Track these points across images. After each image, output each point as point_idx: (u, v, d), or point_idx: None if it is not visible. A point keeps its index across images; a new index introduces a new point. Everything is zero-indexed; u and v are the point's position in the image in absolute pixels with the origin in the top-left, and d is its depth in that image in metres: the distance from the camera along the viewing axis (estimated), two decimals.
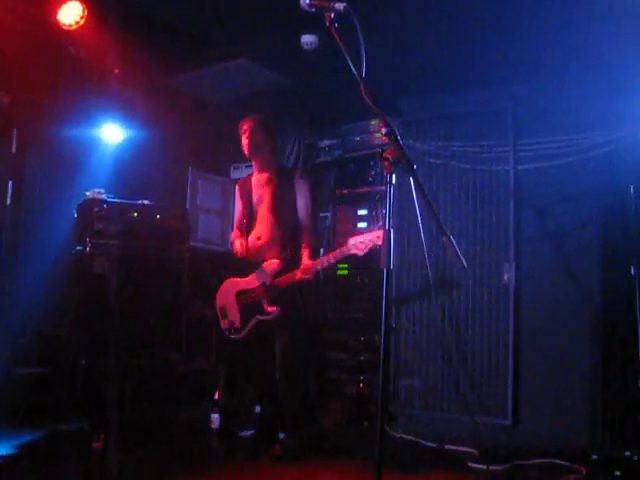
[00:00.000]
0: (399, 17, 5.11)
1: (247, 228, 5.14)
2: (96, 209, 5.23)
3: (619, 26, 4.68)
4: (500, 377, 5.15)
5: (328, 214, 6.60)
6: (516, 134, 5.29)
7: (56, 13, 5.13)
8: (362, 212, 6.34)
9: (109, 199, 5.35)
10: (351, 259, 6.08)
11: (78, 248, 5.25)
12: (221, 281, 5.84)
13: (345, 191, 6.52)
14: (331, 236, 6.54)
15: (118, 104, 5.92)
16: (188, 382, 5.73)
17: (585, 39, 4.81)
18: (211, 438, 5.23)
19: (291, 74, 6.17)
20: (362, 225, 6.33)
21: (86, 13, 5.17)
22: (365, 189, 6.37)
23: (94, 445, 4.64)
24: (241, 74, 6.17)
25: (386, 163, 3.05)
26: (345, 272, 6.31)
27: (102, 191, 5.35)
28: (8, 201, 5.60)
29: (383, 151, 3.05)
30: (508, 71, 5.20)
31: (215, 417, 5.37)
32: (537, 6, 4.71)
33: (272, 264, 4.92)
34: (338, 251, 4.67)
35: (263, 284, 4.92)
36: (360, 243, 4.50)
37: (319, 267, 4.81)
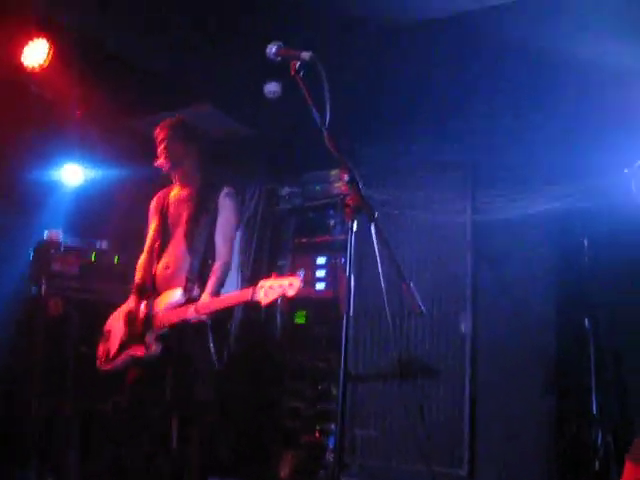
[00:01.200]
0: (359, 67, 5.23)
1: (159, 254, 4.29)
2: (53, 250, 5.16)
3: (571, 78, 4.83)
4: (456, 427, 5.16)
5: (286, 262, 6.60)
6: (474, 185, 5.40)
7: (20, 53, 5.12)
8: (320, 261, 6.35)
9: (66, 241, 5.30)
10: (309, 305, 6.19)
11: (33, 289, 5.17)
12: None
13: (304, 240, 6.53)
14: None
15: (79, 145, 5.89)
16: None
17: (543, 93, 4.96)
18: None
19: (254, 122, 6.23)
20: (320, 274, 6.34)
21: (51, 52, 5.15)
22: (324, 238, 6.40)
23: None
24: (203, 120, 6.19)
25: (348, 210, 3.08)
26: (302, 320, 6.29)
27: (60, 232, 5.30)
28: None
29: (344, 198, 3.09)
30: (467, 123, 5.31)
31: None
32: (496, 62, 4.85)
33: (169, 294, 4.08)
34: (240, 293, 4.00)
35: (148, 315, 4.09)
36: (269, 289, 3.65)
37: (215, 308, 3.93)
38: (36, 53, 5.14)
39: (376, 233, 3.12)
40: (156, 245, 4.32)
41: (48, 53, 5.15)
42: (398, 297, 4.97)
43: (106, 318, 5.34)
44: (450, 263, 5.41)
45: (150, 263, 4.32)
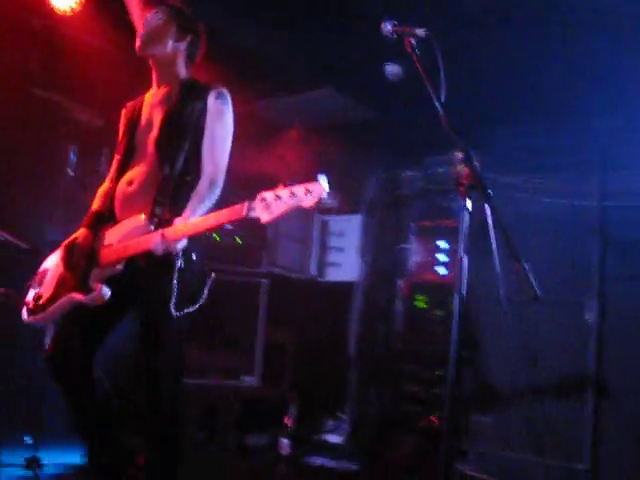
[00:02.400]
0: (484, 48, 5.10)
1: (121, 169, 3.27)
2: None
3: None
4: (578, 419, 4.97)
5: (408, 246, 6.56)
6: (603, 168, 5.16)
7: None
8: (443, 245, 6.27)
9: None
10: (430, 289, 6.12)
11: None
12: (299, 308, 5.87)
13: (427, 223, 6.47)
14: (410, 269, 6.48)
15: None
16: (261, 406, 5.75)
17: None
18: (279, 463, 5.23)
19: (374, 104, 6.21)
20: (443, 258, 6.26)
21: None
22: (447, 221, 6.31)
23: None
24: (325, 102, 6.25)
25: (461, 189, 3.04)
26: (423, 305, 6.24)
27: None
28: None
29: (459, 177, 3.03)
30: (595, 102, 5.09)
31: (284, 443, 5.38)
32: (621, 35, 4.61)
33: (128, 221, 3.06)
34: (228, 211, 2.86)
35: (95, 248, 3.10)
36: (274, 201, 2.66)
37: (190, 233, 2.90)
38: None
39: (491, 213, 3.07)
40: (119, 159, 3.31)
41: None
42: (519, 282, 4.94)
43: (230, 298, 5.56)
44: (576, 249, 5.21)
45: (112, 188, 3.26)
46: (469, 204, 2.97)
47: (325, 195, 2.60)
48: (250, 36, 5.38)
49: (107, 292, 2.97)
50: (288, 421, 5.66)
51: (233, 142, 3.33)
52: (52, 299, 3.16)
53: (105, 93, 5.24)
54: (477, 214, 3.00)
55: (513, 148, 5.63)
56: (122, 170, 3.25)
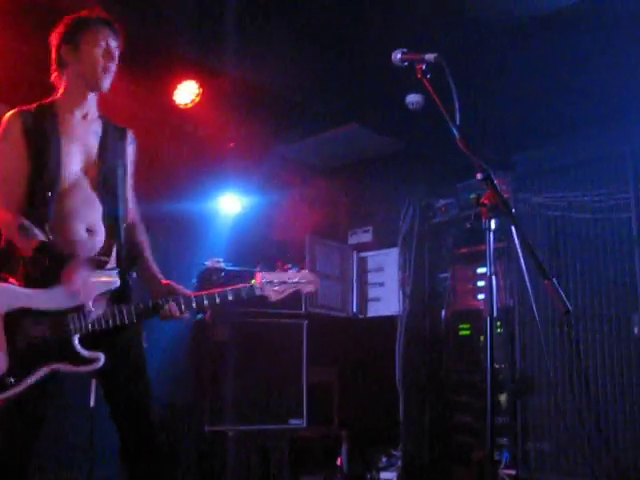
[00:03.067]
0: (511, 71, 5.10)
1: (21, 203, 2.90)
2: (215, 277, 5.39)
3: None
4: (636, 439, 4.80)
5: (447, 274, 6.49)
6: (636, 178, 5.06)
7: (172, 94, 5.43)
8: (481, 270, 6.19)
9: (227, 267, 5.51)
10: (472, 316, 6.03)
11: (199, 316, 5.41)
12: (342, 346, 5.83)
13: (463, 250, 6.40)
14: (451, 297, 6.40)
15: (235, 176, 6.14)
16: (311, 447, 5.70)
17: None
18: None
19: (401, 136, 6.22)
20: (482, 284, 6.18)
21: (201, 91, 5.45)
22: (484, 247, 6.21)
23: None
24: (352, 139, 6.28)
25: (483, 209, 3.02)
26: (467, 332, 6.14)
27: (220, 260, 5.52)
28: (134, 274, 5.87)
29: (479, 197, 3.01)
30: (623, 112, 5.02)
31: None
32: None
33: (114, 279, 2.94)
34: (235, 289, 3.22)
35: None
36: (278, 285, 3.16)
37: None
38: (187, 93, 5.45)
39: (516, 232, 3.04)
40: (19, 191, 2.96)
41: (198, 93, 5.45)
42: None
43: (271, 341, 5.56)
44: (617, 261, 5.09)
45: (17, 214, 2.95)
46: (493, 225, 2.94)
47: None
48: (271, 81, 5.47)
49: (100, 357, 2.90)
50: (340, 461, 5.59)
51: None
52: (20, 372, 2.79)
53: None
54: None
55: (546, 168, 5.57)
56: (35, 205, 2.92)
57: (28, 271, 2.84)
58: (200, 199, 6.01)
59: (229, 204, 6.36)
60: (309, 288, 3.19)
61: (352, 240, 7.10)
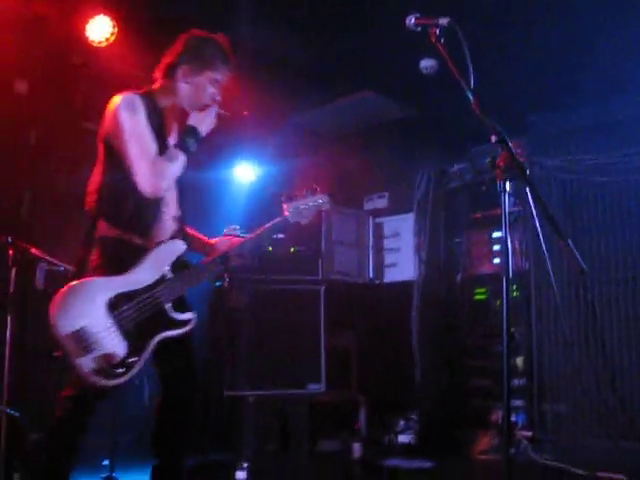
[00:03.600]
0: (523, 32, 5.07)
1: None
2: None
3: None
4: None
5: (463, 239, 6.50)
6: None
7: None
8: (497, 234, 6.20)
9: (244, 235, 5.55)
10: (488, 281, 6.06)
11: (217, 284, 5.47)
12: (359, 312, 5.88)
13: (478, 215, 6.41)
14: (467, 262, 6.42)
15: (250, 144, 6.16)
16: (329, 412, 5.78)
17: None
18: (353, 467, 5.24)
19: (414, 101, 6.21)
20: (498, 248, 6.19)
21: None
22: (499, 211, 6.21)
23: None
24: (366, 106, 6.28)
25: (498, 171, 3.04)
26: (483, 297, 6.18)
27: (237, 227, 5.55)
28: None
29: (494, 159, 3.02)
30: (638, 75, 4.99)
31: (356, 446, 5.39)
32: None
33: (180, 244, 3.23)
34: (272, 224, 3.47)
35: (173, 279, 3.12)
36: (303, 209, 3.35)
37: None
38: None
39: (531, 193, 3.06)
40: None
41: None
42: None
43: (289, 307, 5.62)
44: (633, 224, 5.10)
45: None
46: (508, 187, 2.96)
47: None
48: (285, 50, 5.46)
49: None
50: (358, 425, 5.67)
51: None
52: (136, 350, 3.00)
53: None
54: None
55: (561, 131, 5.56)
56: None
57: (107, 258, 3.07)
58: (216, 168, 6.05)
59: (244, 173, 6.39)
60: (325, 206, 3.38)
61: (368, 206, 7.12)
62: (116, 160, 3.12)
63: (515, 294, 5.75)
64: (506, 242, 2.98)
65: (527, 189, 3.03)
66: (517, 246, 5.82)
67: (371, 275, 6.77)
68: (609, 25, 4.84)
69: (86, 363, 2.88)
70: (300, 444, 5.56)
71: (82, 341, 2.88)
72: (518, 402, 5.55)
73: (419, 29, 3.18)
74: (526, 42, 5.18)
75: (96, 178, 3.19)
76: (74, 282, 3.00)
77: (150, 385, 5.86)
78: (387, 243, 6.89)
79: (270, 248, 5.60)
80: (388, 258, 6.83)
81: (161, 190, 3.15)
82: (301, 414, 5.62)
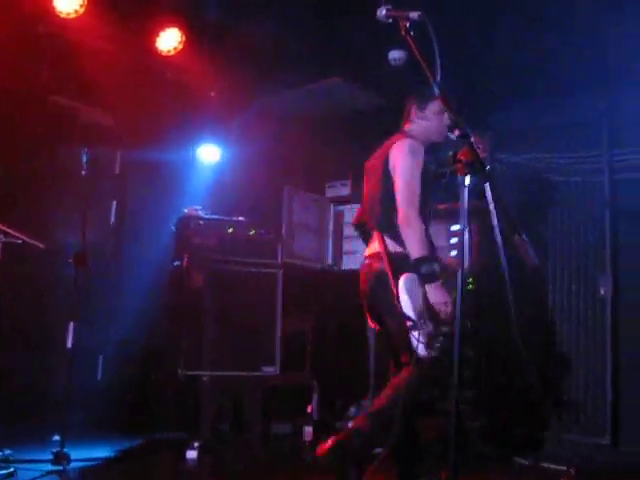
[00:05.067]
0: (493, 32, 5.12)
1: None
2: (193, 225, 5.43)
3: None
4: (599, 395, 4.98)
5: None
6: (611, 143, 5.16)
7: (155, 41, 5.40)
8: (455, 227, 6.27)
9: (205, 215, 5.54)
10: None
11: (176, 263, 5.45)
12: (316, 297, 5.94)
13: (440, 207, 6.46)
14: None
15: (215, 126, 6.14)
16: (283, 395, 5.81)
17: None
18: (304, 451, 5.29)
19: (382, 90, 6.24)
20: (455, 241, 6.27)
21: (184, 39, 5.42)
22: (459, 204, 6.29)
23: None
24: (334, 93, 6.29)
25: (459, 165, 3.09)
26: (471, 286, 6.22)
27: (199, 208, 5.55)
28: (112, 219, 5.91)
29: (455, 153, 3.08)
30: (601, 79, 5.08)
31: (308, 430, 5.44)
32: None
33: None
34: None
35: None
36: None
37: None
38: (170, 40, 5.42)
39: (490, 189, 3.12)
40: None
41: (180, 40, 5.42)
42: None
43: (246, 289, 5.62)
44: (588, 224, 5.21)
45: None
46: (467, 181, 3.01)
47: None
48: (254, 33, 5.44)
49: None
50: (310, 408, 5.71)
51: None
52: None
53: (113, 94, 5.33)
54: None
55: (524, 129, 5.64)
56: None
57: None
58: (181, 147, 6.02)
59: (210, 153, 6.36)
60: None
61: (330, 193, 7.15)
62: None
63: (471, 287, 5.81)
64: (463, 236, 3.05)
65: (486, 184, 3.09)
66: (477, 239, 5.89)
67: (330, 261, 6.82)
68: (575, 31, 4.92)
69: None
70: (253, 426, 5.60)
71: None
72: (469, 393, 5.63)
73: (390, 20, 3.21)
74: (495, 41, 5.22)
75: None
76: None
77: (103, 363, 5.87)
78: (348, 231, 6.93)
79: (230, 229, 5.62)
80: (348, 246, 6.88)
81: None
82: (255, 396, 5.64)
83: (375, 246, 3.67)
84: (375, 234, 3.69)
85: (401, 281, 3.43)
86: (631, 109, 5.07)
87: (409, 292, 3.41)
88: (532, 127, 5.58)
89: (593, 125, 5.24)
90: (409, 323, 3.34)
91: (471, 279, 5.86)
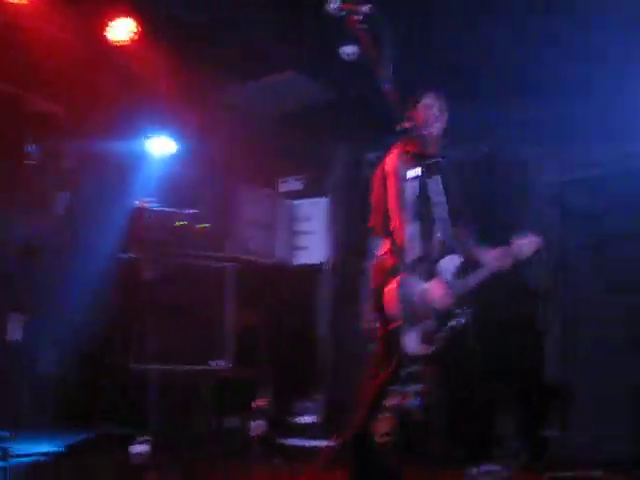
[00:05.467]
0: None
1: None
2: (144, 217, 5.39)
3: None
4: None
5: None
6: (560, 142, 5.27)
7: (107, 29, 5.33)
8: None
9: (156, 208, 5.51)
10: None
11: (122, 255, 5.41)
12: (267, 292, 5.94)
13: None
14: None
15: (168, 118, 6.09)
16: (233, 389, 5.80)
17: None
18: (251, 445, 5.29)
19: (335, 85, 6.25)
20: None
21: (138, 30, 5.35)
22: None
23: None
24: (288, 87, 6.28)
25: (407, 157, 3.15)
26: None
27: (150, 200, 5.51)
28: (61, 211, 5.81)
29: (404, 145, 3.12)
30: (547, 81, 5.17)
31: (256, 424, 5.43)
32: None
33: None
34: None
35: None
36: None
37: None
38: (122, 30, 5.35)
39: (442, 182, 3.19)
40: None
41: (134, 31, 5.35)
42: None
43: (196, 283, 5.59)
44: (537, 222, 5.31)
45: None
46: (412, 173, 3.06)
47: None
48: (212, 25, 5.41)
49: None
50: (260, 403, 5.71)
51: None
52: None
53: (62, 82, 5.26)
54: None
55: (470, 124, 5.70)
56: None
57: None
58: (133, 139, 5.96)
59: (162, 146, 6.31)
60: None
61: (283, 188, 7.14)
62: None
63: None
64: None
65: (437, 178, 3.14)
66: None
67: (281, 256, 6.81)
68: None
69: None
70: (204, 420, 5.57)
71: None
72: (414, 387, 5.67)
73: (343, 13, 3.23)
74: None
75: None
76: None
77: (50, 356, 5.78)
78: (299, 226, 6.94)
79: (181, 223, 5.59)
80: (299, 241, 6.89)
81: None
82: (205, 390, 5.62)
83: (383, 247, 3.70)
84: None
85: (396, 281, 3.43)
86: (578, 109, 5.16)
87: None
88: (480, 124, 5.63)
89: (541, 124, 5.33)
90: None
91: None
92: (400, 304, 3.32)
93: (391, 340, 3.39)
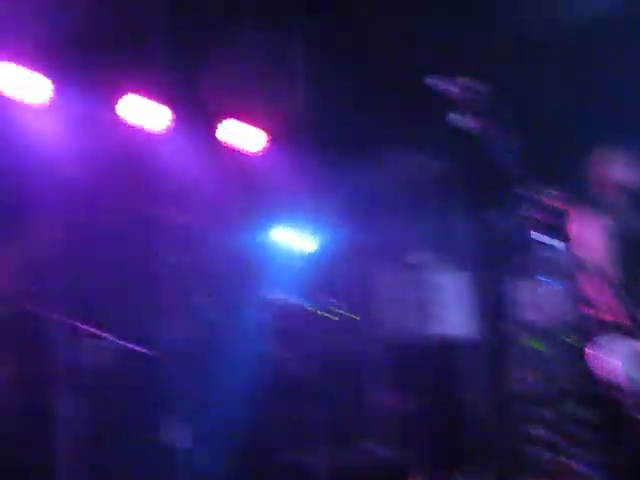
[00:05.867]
0: None
1: None
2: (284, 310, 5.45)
3: None
4: None
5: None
6: None
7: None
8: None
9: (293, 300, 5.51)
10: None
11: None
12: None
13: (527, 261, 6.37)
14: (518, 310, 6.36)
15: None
16: (387, 473, 5.70)
17: None
18: None
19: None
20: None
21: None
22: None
23: None
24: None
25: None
26: (538, 345, 6.10)
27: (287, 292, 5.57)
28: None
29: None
30: None
31: None
32: None
33: None
34: None
35: None
36: None
37: None
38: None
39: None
40: None
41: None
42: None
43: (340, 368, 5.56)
44: None
45: None
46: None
47: None
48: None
49: None
50: None
51: None
52: None
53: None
54: None
55: None
56: None
57: None
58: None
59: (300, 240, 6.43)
60: None
61: (414, 260, 7.06)
62: None
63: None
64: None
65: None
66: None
67: (419, 330, 6.69)
68: None
69: None
70: None
71: None
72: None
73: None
74: None
75: None
76: None
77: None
78: (433, 297, 6.84)
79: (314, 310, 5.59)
80: (435, 312, 6.76)
81: None
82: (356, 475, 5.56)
83: None
84: None
85: None
86: None
87: None
88: None
89: None
90: None
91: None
92: None
93: None
